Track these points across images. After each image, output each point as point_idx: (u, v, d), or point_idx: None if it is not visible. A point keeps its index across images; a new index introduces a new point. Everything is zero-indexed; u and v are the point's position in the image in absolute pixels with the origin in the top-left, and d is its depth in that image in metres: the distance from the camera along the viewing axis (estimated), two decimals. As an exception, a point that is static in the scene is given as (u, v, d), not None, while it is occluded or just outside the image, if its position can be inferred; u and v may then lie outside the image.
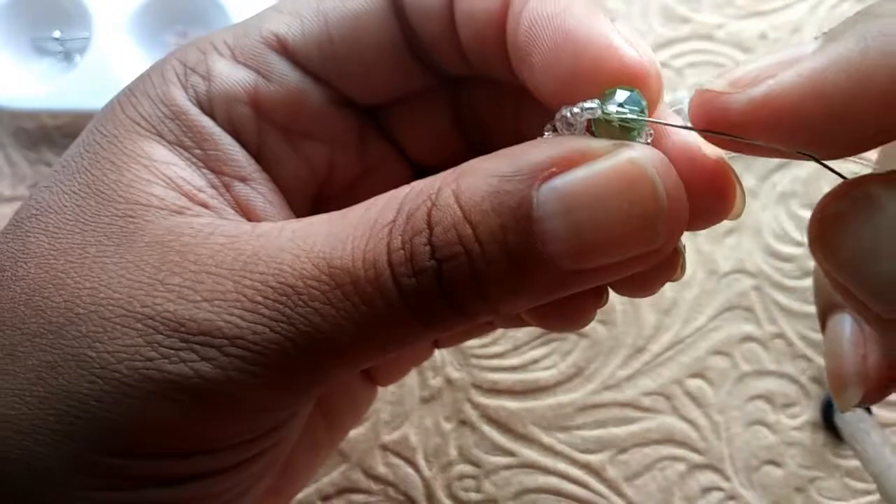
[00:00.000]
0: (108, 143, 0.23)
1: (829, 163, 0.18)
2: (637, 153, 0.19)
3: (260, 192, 0.25)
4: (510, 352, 0.45)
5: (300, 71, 0.25)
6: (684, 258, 0.23)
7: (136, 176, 0.23)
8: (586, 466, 0.44)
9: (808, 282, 0.45)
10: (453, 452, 0.44)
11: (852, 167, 0.19)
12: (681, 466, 0.44)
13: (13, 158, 0.49)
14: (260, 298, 0.20)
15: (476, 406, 0.44)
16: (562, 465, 0.44)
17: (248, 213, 0.24)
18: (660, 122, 0.21)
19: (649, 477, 0.44)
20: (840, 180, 0.18)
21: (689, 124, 0.22)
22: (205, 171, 0.24)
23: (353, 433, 0.44)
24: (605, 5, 0.51)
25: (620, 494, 0.43)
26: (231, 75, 0.24)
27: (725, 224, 0.46)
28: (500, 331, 0.45)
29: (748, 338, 0.45)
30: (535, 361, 0.45)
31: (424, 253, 0.19)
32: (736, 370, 0.45)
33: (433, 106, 0.28)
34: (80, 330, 0.20)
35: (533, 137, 0.21)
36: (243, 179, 0.24)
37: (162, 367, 0.20)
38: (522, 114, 0.27)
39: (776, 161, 0.47)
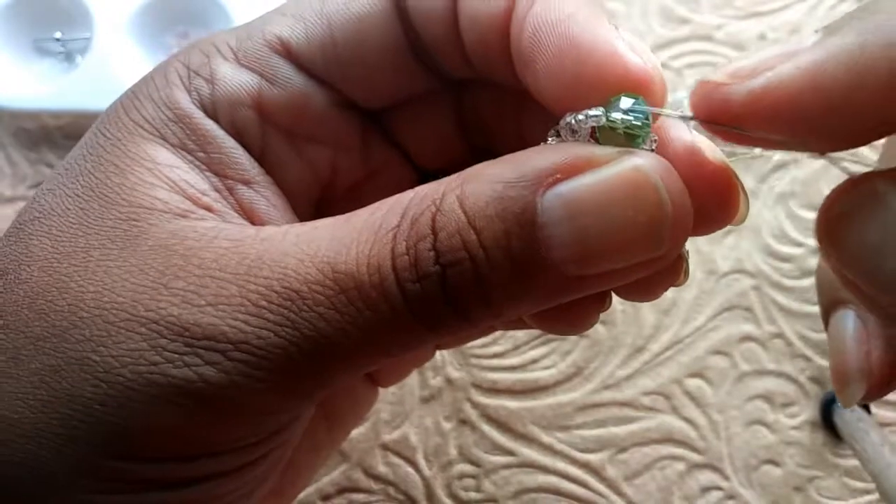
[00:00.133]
0: (111, 146, 0.23)
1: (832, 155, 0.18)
2: (642, 160, 0.19)
3: (263, 196, 0.25)
4: (510, 351, 0.45)
5: (304, 74, 0.25)
6: (688, 263, 0.23)
7: (140, 179, 0.22)
8: (586, 466, 0.44)
9: (808, 282, 0.46)
10: (453, 452, 0.44)
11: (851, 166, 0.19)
12: (680, 466, 0.44)
13: (14, 158, 0.49)
14: (264, 303, 0.20)
15: (476, 405, 0.44)
16: (561, 465, 0.44)
17: (251, 217, 0.24)
18: (664, 112, 0.21)
19: (649, 476, 0.44)
20: (846, 177, 0.18)
21: (692, 129, 0.22)
22: (208, 174, 0.24)
23: (354, 433, 0.44)
24: (604, 6, 0.51)
25: (620, 494, 0.43)
26: (235, 78, 0.24)
27: (725, 224, 0.46)
28: (500, 331, 0.45)
29: (747, 337, 0.45)
30: (535, 361, 0.45)
31: (429, 258, 0.20)
32: (735, 370, 0.45)
33: (437, 109, 0.28)
34: (83, 334, 0.20)
35: (536, 141, 0.21)
36: (247, 183, 0.24)
37: (166, 372, 0.20)
38: (525, 118, 0.27)
39: (775, 161, 0.47)
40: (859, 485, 0.43)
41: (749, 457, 0.44)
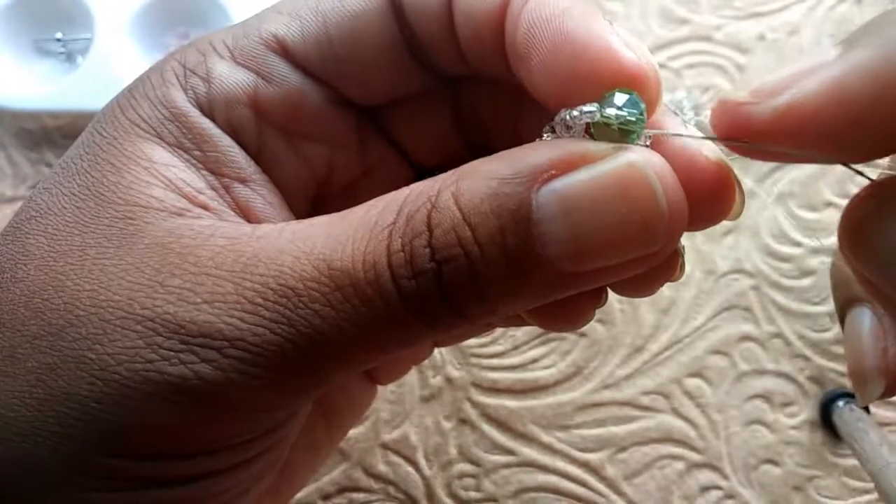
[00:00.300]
0: (107, 145, 0.23)
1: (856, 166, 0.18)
2: (637, 156, 0.19)
3: (260, 194, 0.25)
4: (510, 351, 0.45)
5: (300, 72, 0.25)
6: (683, 258, 0.23)
7: (136, 178, 0.22)
8: (585, 465, 0.44)
9: (807, 281, 0.46)
10: (453, 451, 0.44)
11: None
12: (679, 465, 0.44)
13: (14, 159, 0.49)
14: (260, 300, 0.20)
15: (476, 405, 0.44)
16: (561, 464, 0.44)
17: (247, 215, 0.24)
18: (666, 133, 0.21)
19: (648, 475, 0.44)
20: (864, 182, 0.18)
21: (687, 125, 0.22)
22: (204, 172, 0.24)
23: (354, 432, 0.44)
24: (603, 7, 0.51)
25: (619, 493, 0.43)
26: (231, 77, 0.24)
27: (724, 224, 0.46)
28: (499, 330, 0.45)
29: (746, 337, 0.45)
30: (535, 361, 0.45)
31: (424, 255, 0.20)
32: (734, 369, 0.45)
33: (432, 106, 0.28)
34: (79, 332, 0.20)
35: (531, 137, 0.21)
36: (243, 181, 0.24)
37: (162, 369, 0.20)
38: (521, 114, 0.27)
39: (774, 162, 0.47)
40: (858, 484, 0.43)
41: (748, 456, 0.44)
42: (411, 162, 0.29)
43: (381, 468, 0.44)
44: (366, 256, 0.20)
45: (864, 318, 0.25)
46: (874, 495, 0.43)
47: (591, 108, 0.20)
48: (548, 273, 0.20)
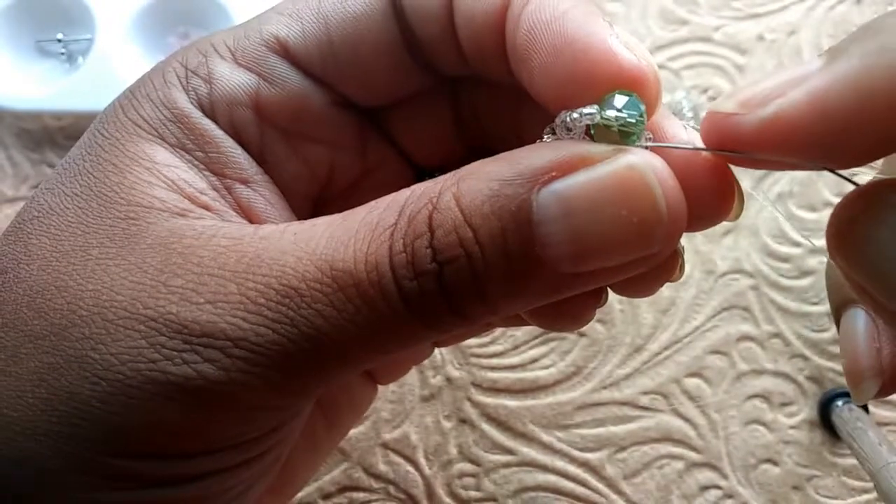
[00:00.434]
0: (109, 146, 0.23)
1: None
2: (636, 159, 0.19)
3: (261, 195, 0.25)
4: (510, 351, 0.45)
5: (301, 73, 0.25)
6: (683, 259, 0.23)
7: (138, 178, 0.23)
8: (585, 464, 0.44)
9: (806, 281, 0.46)
10: (453, 451, 0.44)
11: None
12: (679, 465, 0.44)
13: (16, 159, 0.50)
14: (263, 300, 0.20)
15: (476, 405, 0.45)
16: (561, 464, 0.44)
17: (249, 216, 0.24)
18: (663, 145, 0.21)
19: (648, 475, 0.44)
20: (853, 186, 0.19)
21: (686, 126, 0.22)
22: (206, 173, 0.24)
23: (354, 432, 0.44)
24: (603, 8, 0.51)
25: (619, 492, 0.44)
26: (232, 78, 0.24)
27: (723, 224, 0.46)
28: (499, 330, 0.45)
29: (746, 337, 0.45)
30: (535, 360, 0.45)
31: (426, 256, 0.20)
32: (734, 369, 0.45)
33: (433, 107, 0.28)
34: (82, 332, 0.20)
35: (532, 138, 0.21)
36: (245, 182, 0.25)
37: (165, 369, 0.20)
38: (521, 115, 0.27)
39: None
40: (857, 483, 0.43)
41: (747, 456, 0.44)
42: (412, 163, 0.29)
43: (382, 467, 0.44)
44: (368, 257, 0.20)
45: (859, 319, 0.25)
46: (873, 495, 0.43)
47: (591, 110, 0.20)
48: (548, 274, 0.20)
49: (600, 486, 0.44)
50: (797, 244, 0.46)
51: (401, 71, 0.26)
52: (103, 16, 0.48)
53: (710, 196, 0.21)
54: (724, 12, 0.51)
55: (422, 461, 0.44)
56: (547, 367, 0.45)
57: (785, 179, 0.47)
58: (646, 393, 0.45)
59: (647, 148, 0.20)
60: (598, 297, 0.24)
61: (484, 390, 0.45)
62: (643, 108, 0.20)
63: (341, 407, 0.33)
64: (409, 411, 0.44)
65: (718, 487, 0.43)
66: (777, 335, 0.45)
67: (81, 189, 0.23)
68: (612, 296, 0.25)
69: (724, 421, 0.44)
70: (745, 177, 0.47)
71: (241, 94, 0.24)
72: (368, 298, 0.20)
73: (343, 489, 0.44)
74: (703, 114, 0.20)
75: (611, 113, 0.20)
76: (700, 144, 0.21)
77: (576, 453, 0.44)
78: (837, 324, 0.26)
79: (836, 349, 0.45)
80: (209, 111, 0.24)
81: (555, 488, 0.43)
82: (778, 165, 0.19)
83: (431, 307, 0.20)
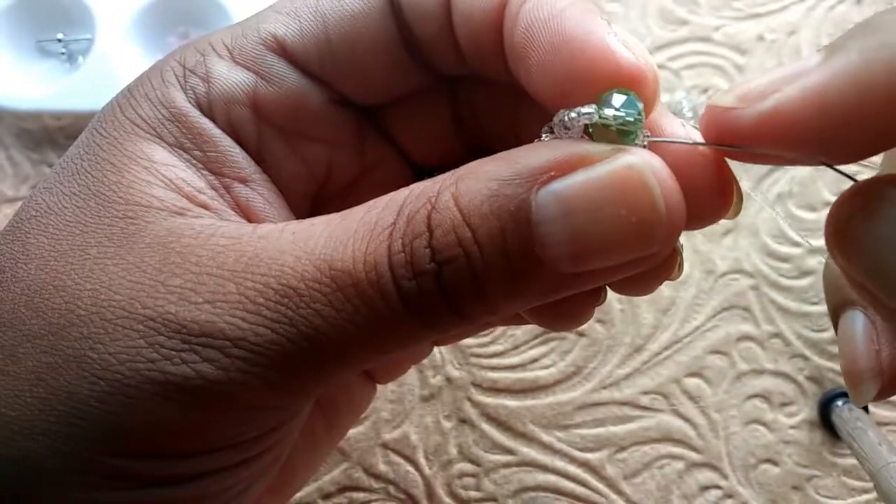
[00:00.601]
0: (107, 145, 0.23)
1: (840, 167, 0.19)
2: (635, 158, 0.19)
3: (260, 194, 0.25)
4: (510, 351, 0.45)
5: (299, 72, 0.25)
6: (682, 257, 0.23)
7: (136, 177, 0.23)
8: (585, 465, 0.44)
9: (806, 281, 0.46)
10: (453, 451, 0.44)
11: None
12: (679, 465, 0.44)
13: (16, 159, 0.50)
14: (262, 300, 0.20)
15: (476, 404, 0.45)
16: (561, 464, 0.44)
17: (248, 215, 0.24)
18: (662, 140, 0.21)
19: (648, 475, 0.44)
20: (852, 182, 0.19)
21: (686, 125, 0.22)
22: (205, 172, 0.24)
23: (354, 432, 0.44)
24: (602, 7, 0.51)
25: (619, 492, 0.44)
26: (230, 77, 0.24)
27: (723, 224, 0.46)
28: (499, 330, 0.45)
29: (746, 337, 0.45)
30: (535, 360, 0.45)
31: (424, 256, 0.20)
32: (734, 369, 0.45)
33: (431, 106, 0.28)
34: (81, 331, 0.20)
35: (530, 137, 0.21)
36: (243, 181, 0.25)
37: (164, 369, 0.20)
38: (520, 113, 0.27)
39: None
40: (857, 484, 0.43)
41: (747, 456, 0.44)
42: (410, 161, 0.29)
43: (382, 467, 0.44)
44: (367, 257, 0.20)
45: (857, 321, 0.25)
46: (873, 495, 0.43)
47: (589, 109, 0.20)
48: (547, 274, 0.20)
49: (600, 486, 0.44)
50: (797, 244, 0.46)
51: (399, 69, 0.26)
52: (103, 16, 0.48)
53: (708, 194, 0.21)
54: (724, 12, 0.51)
55: (422, 461, 0.44)
56: (547, 367, 0.45)
57: (784, 179, 0.47)
58: (646, 393, 0.45)
59: (645, 144, 0.20)
60: (597, 296, 0.24)
61: (484, 390, 0.45)
62: (641, 106, 0.20)
63: (340, 406, 0.33)
64: (408, 411, 0.44)
65: (718, 487, 0.43)
66: (777, 335, 0.45)
67: (79, 188, 0.23)
68: (612, 296, 0.25)
69: (725, 421, 0.44)
70: (745, 177, 0.47)
71: (238, 93, 0.24)
72: (367, 298, 0.20)
73: (343, 489, 0.44)
74: (699, 122, 0.21)
75: (609, 112, 0.20)
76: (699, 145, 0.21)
77: (576, 453, 0.44)
78: (835, 326, 0.26)
79: (835, 349, 0.44)
80: (207, 110, 0.24)
81: (555, 488, 0.43)
82: (776, 160, 0.19)
83: (430, 307, 0.20)
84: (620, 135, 0.20)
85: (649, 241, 0.20)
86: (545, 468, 0.44)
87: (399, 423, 0.44)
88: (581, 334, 0.45)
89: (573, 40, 0.21)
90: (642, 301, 0.46)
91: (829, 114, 0.17)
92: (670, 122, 0.22)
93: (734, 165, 0.21)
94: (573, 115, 0.20)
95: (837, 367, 0.44)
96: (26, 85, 0.49)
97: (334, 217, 0.22)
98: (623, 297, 0.45)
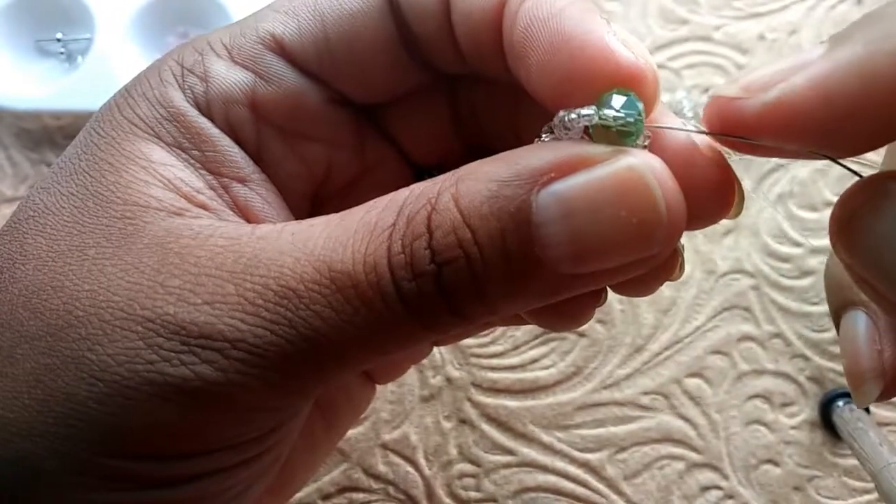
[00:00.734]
0: (105, 145, 0.23)
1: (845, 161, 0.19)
2: (636, 160, 0.19)
3: (258, 194, 0.25)
4: (510, 351, 0.45)
5: (297, 71, 0.25)
6: (683, 258, 0.23)
7: (135, 177, 0.22)
8: (585, 465, 0.44)
9: (806, 281, 0.46)
10: (453, 451, 0.44)
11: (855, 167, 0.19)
12: (679, 465, 0.44)
13: (15, 159, 0.49)
14: (261, 301, 0.20)
15: (476, 405, 0.44)
16: (561, 464, 0.44)
17: (246, 215, 0.24)
18: (663, 127, 0.21)
19: (648, 475, 0.44)
20: (856, 178, 0.19)
21: (686, 125, 0.22)
22: (203, 172, 0.24)
23: (354, 432, 0.44)
24: (602, 7, 0.51)
25: (619, 493, 0.43)
26: (229, 76, 0.24)
27: (724, 224, 0.46)
28: (499, 330, 0.45)
29: (746, 337, 0.45)
30: (535, 361, 0.45)
31: (424, 257, 0.20)
32: (734, 369, 0.45)
33: (431, 105, 0.28)
34: (79, 332, 0.20)
35: (530, 137, 0.21)
36: (242, 181, 0.24)
37: (163, 370, 0.20)
38: (519, 112, 0.27)
39: (774, 162, 0.47)
40: (858, 484, 0.43)
41: (748, 456, 0.44)
42: (410, 161, 0.29)
43: (381, 468, 0.44)
44: (366, 258, 0.20)
45: (860, 321, 0.25)
46: (874, 495, 0.43)
47: (588, 110, 0.20)
48: (547, 275, 0.20)
49: (601, 486, 0.43)
50: (798, 244, 0.46)
51: (398, 68, 0.26)
52: (103, 15, 0.48)
53: (709, 195, 0.21)
54: (725, 11, 0.50)
55: (421, 462, 0.44)
56: (547, 368, 0.45)
57: (785, 179, 0.47)
58: (646, 393, 0.44)
59: (646, 144, 0.20)
60: (598, 297, 0.24)
61: (484, 390, 0.45)
62: (641, 107, 0.20)
63: (340, 407, 0.33)
64: (408, 412, 0.44)
65: (719, 488, 0.43)
66: (778, 335, 0.45)
67: (77, 188, 0.23)
68: (613, 296, 0.25)
69: (725, 421, 0.44)
70: (746, 177, 0.47)
71: (237, 93, 0.24)
72: (367, 299, 0.20)
73: (342, 490, 0.43)
74: (703, 113, 0.20)
75: (609, 113, 0.20)
76: (699, 145, 0.21)
77: (576, 454, 0.44)
78: (837, 326, 0.26)
79: (837, 349, 0.44)
80: (205, 109, 0.24)
81: (555, 489, 0.43)
82: (779, 152, 0.19)
83: (430, 308, 0.20)
84: (621, 136, 0.20)
85: (650, 242, 0.20)
86: (545, 469, 0.44)
87: (399, 423, 0.44)
88: (581, 335, 0.45)
89: (572, 39, 0.20)
90: (643, 301, 0.46)
91: (834, 104, 0.17)
92: (671, 121, 0.22)
93: (735, 165, 0.21)
94: (573, 116, 0.20)
95: (838, 367, 0.44)
96: (25, 84, 0.49)
97: (333, 217, 0.21)
98: (623, 297, 0.45)
